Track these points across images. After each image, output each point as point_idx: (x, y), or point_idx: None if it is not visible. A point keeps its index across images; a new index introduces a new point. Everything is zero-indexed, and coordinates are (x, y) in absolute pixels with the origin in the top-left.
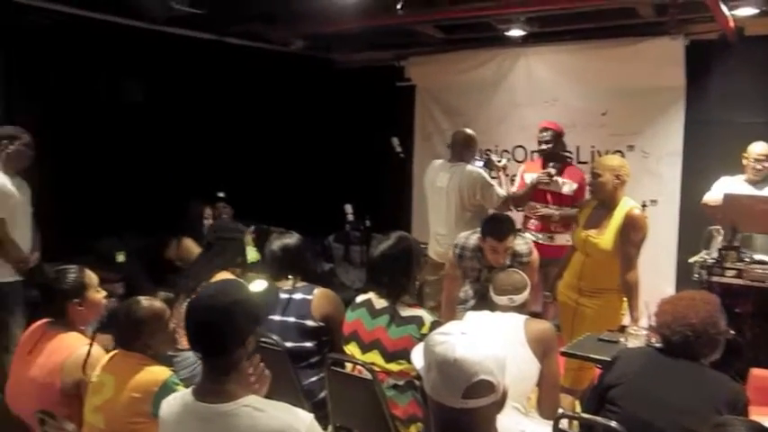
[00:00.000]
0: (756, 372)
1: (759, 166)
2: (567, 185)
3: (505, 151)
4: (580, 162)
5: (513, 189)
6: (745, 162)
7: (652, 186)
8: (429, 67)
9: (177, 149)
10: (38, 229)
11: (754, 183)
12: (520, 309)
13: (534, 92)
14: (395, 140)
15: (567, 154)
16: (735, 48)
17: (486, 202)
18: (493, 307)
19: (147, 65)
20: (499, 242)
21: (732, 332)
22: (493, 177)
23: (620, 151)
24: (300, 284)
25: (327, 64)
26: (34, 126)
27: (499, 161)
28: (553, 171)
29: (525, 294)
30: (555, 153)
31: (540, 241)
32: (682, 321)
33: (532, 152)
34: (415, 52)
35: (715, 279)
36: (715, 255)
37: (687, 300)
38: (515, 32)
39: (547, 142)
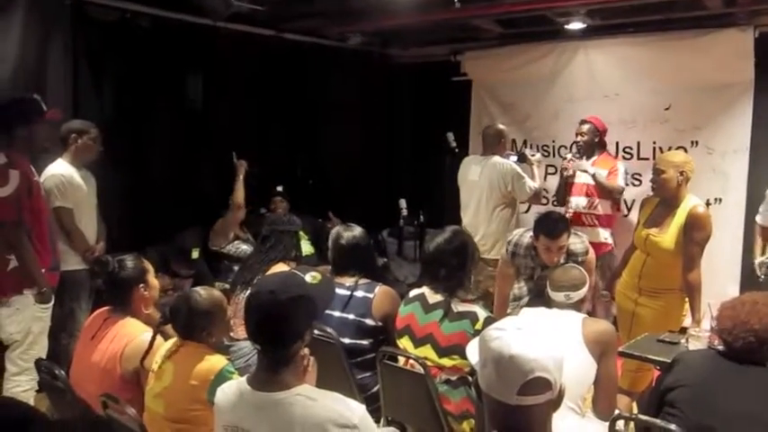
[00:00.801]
0: None
1: None
2: (599, 174)
3: (564, 147)
4: (641, 158)
5: (547, 184)
6: None
7: (717, 184)
8: (485, 62)
9: (237, 144)
10: (102, 220)
11: None
12: (577, 306)
13: (594, 86)
14: (450, 135)
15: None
16: None
17: (518, 193)
18: (550, 304)
19: (208, 61)
20: (552, 241)
21: None
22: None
23: (683, 147)
24: (363, 282)
25: (384, 59)
26: (101, 120)
27: (533, 155)
28: (569, 156)
29: (583, 291)
30: (590, 147)
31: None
32: (743, 327)
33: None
34: (471, 47)
35: None
36: None
37: (749, 304)
38: (575, 26)
39: (582, 134)
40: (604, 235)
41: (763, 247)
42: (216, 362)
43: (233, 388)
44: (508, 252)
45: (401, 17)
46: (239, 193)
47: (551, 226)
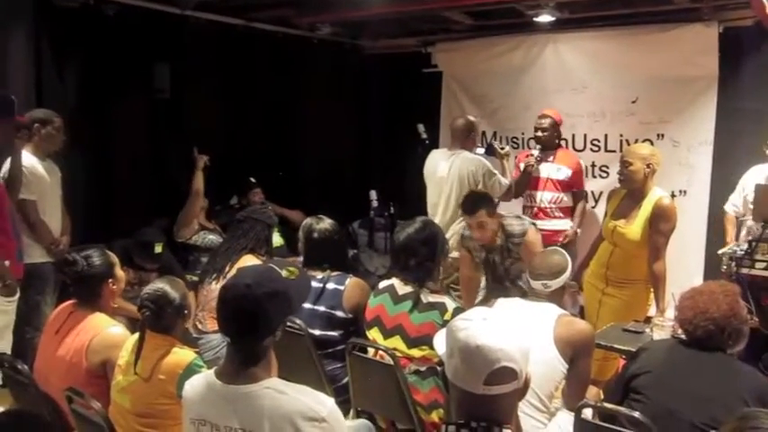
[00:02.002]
0: None
1: None
2: (563, 171)
3: (532, 139)
4: (608, 151)
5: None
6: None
7: (682, 176)
8: (456, 54)
9: (206, 135)
10: (67, 212)
11: None
12: (557, 295)
13: (563, 79)
14: (421, 127)
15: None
16: None
17: (489, 191)
18: (509, 292)
19: (176, 50)
20: (470, 217)
21: (755, 320)
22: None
23: (649, 140)
24: (334, 274)
25: (355, 50)
26: (65, 110)
27: (502, 148)
28: (535, 152)
29: (563, 278)
30: (550, 141)
31: (542, 228)
32: (703, 316)
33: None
34: (442, 39)
35: (744, 271)
36: (744, 246)
37: (707, 293)
38: (544, 18)
39: (543, 129)
40: (569, 225)
41: (736, 236)
42: (184, 355)
43: (201, 381)
44: (461, 238)
45: (371, 8)
46: (198, 181)
47: (468, 204)
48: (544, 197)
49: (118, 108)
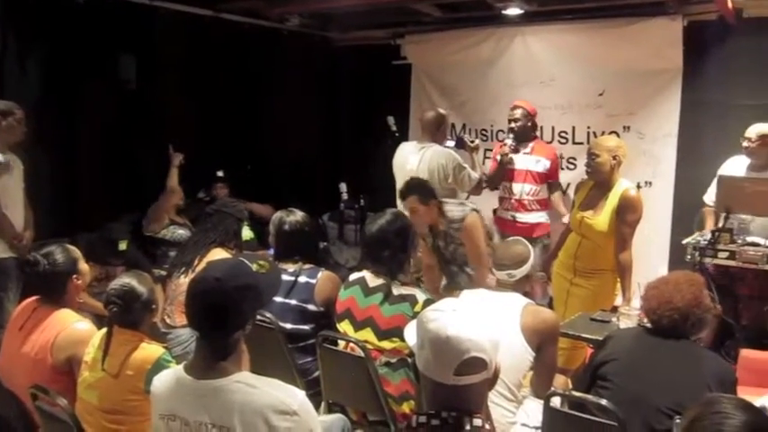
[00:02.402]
0: (746, 352)
1: (750, 146)
2: (542, 163)
3: (501, 131)
4: (576, 143)
5: (486, 170)
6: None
7: (647, 168)
8: (425, 46)
9: (173, 127)
10: (30, 206)
11: (758, 168)
12: (521, 284)
13: (531, 71)
14: (390, 119)
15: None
16: (733, 29)
17: (459, 185)
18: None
19: (140, 41)
20: (403, 202)
21: (719, 308)
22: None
23: (615, 132)
24: (306, 267)
25: (324, 42)
26: (28, 101)
27: (472, 141)
28: (509, 141)
29: (526, 267)
30: (524, 132)
31: (520, 220)
32: (668, 306)
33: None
34: (412, 31)
35: (707, 260)
36: (708, 236)
37: (672, 283)
38: (513, 11)
39: (516, 120)
40: (545, 217)
41: (715, 224)
42: (153, 350)
43: (170, 376)
44: None
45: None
46: (173, 178)
47: (402, 190)
48: (524, 189)
49: (83, 99)
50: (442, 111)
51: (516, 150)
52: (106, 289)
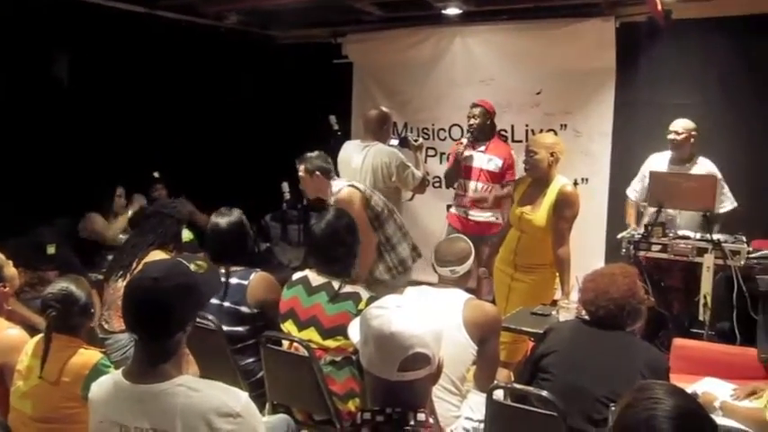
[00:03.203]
0: (679, 341)
1: (676, 139)
2: (493, 162)
3: (442, 130)
4: (515, 141)
5: (429, 169)
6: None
7: (584, 165)
8: (366, 45)
9: (107, 128)
10: None
11: (679, 162)
12: (463, 280)
13: (471, 71)
14: (332, 118)
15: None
16: (663, 30)
17: (402, 183)
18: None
19: (73, 38)
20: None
21: (652, 300)
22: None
23: (553, 130)
24: (237, 269)
25: (263, 40)
26: None
27: (415, 140)
28: (464, 141)
29: (469, 263)
30: (482, 130)
31: (473, 218)
32: (604, 297)
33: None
34: (353, 30)
35: (641, 254)
36: (642, 230)
37: (607, 275)
38: (452, 11)
39: (474, 117)
40: (496, 215)
41: (637, 221)
42: (90, 356)
43: (109, 382)
44: None
45: None
46: (123, 219)
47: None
48: (477, 187)
49: (12, 98)
50: (385, 110)
51: (473, 147)
52: (39, 294)
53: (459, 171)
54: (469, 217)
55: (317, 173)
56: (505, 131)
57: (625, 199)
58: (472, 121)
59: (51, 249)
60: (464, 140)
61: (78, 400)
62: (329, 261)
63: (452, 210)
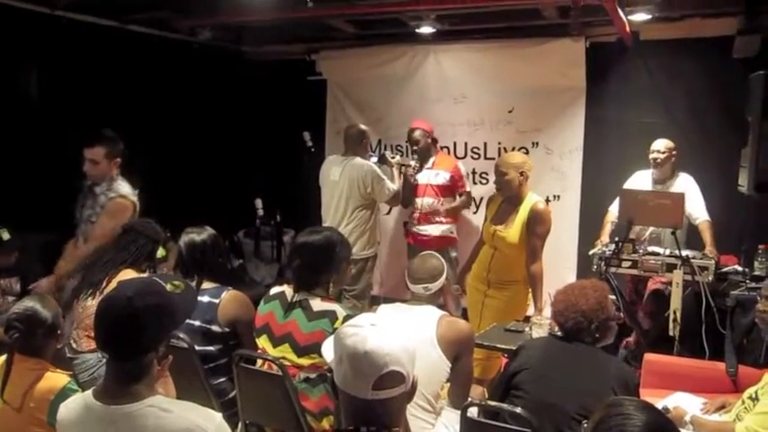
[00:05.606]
0: (649, 356)
1: (659, 158)
2: (441, 175)
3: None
4: (487, 158)
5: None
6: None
7: (555, 182)
8: (340, 62)
9: (75, 144)
10: None
11: (661, 180)
12: (435, 297)
13: (444, 88)
14: (306, 135)
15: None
16: (631, 51)
17: (377, 195)
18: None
19: (42, 52)
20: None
21: (621, 315)
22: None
23: (525, 148)
24: (209, 286)
25: (237, 56)
26: None
27: (393, 157)
28: (412, 163)
29: (441, 280)
30: (426, 150)
31: (423, 233)
32: (573, 309)
33: (440, 147)
34: (326, 47)
35: (612, 270)
36: (612, 247)
37: (578, 288)
38: (425, 29)
39: (416, 142)
40: (450, 229)
41: (609, 233)
42: (56, 379)
43: (78, 403)
44: None
45: (253, 13)
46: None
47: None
48: (424, 203)
49: None
50: (363, 127)
51: (421, 168)
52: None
53: (411, 190)
54: (420, 232)
55: (116, 160)
56: (478, 149)
57: (598, 215)
58: (416, 147)
59: (5, 235)
60: (412, 163)
61: (44, 426)
62: (317, 273)
63: (407, 227)
